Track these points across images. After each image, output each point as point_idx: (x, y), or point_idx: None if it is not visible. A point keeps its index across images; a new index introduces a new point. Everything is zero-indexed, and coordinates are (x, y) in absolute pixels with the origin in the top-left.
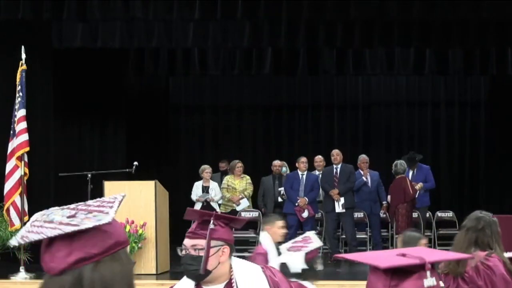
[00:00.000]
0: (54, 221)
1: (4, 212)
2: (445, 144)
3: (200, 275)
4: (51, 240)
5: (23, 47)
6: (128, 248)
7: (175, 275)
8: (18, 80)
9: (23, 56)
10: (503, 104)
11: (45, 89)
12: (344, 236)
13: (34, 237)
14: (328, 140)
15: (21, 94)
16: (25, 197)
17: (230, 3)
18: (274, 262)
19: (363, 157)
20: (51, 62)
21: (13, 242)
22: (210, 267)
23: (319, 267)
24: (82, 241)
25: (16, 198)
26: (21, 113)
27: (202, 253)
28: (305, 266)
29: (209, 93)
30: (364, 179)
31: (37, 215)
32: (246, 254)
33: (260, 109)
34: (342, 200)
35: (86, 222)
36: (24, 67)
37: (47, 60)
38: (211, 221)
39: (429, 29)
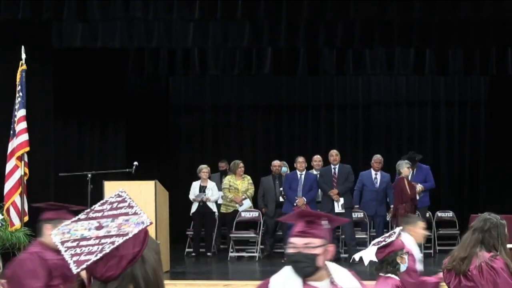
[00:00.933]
0: (86, 237)
1: (4, 212)
2: (445, 144)
3: (311, 272)
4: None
5: (23, 47)
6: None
7: (175, 275)
8: (18, 80)
9: (23, 56)
10: (503, 104)
11: (45, 89)
12: (343, 236)
13: (94, 258)
14: (328, 140)
15: (21, 94)
16: (25, 197)
17: (230, 3)
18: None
19: (377, 157)
20: (51, 62)
21: (75, 270)
22: (319, 264)
23: None
24: (126, 245)
25: (16, 198)
26: (21, 113)
27: (314, 251)
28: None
29: (209, 93)
30: (373, 178)
31: (58, 236)
32: (244, 254)
33: (260, 109)
34: (341, 200)
35: (127, 228)
36: (24, 67)
37: (47, 60)
38: (323, 221)
39: (429, 29)
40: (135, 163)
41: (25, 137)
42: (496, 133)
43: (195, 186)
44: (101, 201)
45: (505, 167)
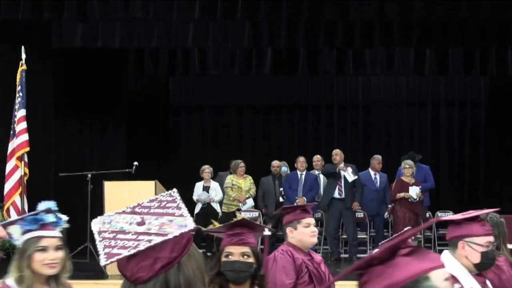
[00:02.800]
0: (126, 230)
1: (4, 212)
2: (445, 144)
3: (491, 266)
4: (136, 253)
5: (23, 47)
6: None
7: None
8: (18, 80)
9: (23, 56)
10: (503, 104)
11: (45, 89)
12: (345, 236)
13: (126, 253)
14: (328, 140)
15: (21, 94)
16: (25, 197)
17: (230, 3)
18: None
19: (378, 158)
20: (51, 62)
21: (103, 262)
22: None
23: None
24: (164, 247)
25: (16, 198)
26: (21, 113)
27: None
28: None
29: (209, 93)
30: (373, 178)
31: (98, 225)
32: None
33: (260, 109)
34: (349, 169)
35: (168, 229)
36: (24, 67)
37: (47, 60)
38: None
39: (429, 29)
40: (135, 163)
41: (25, 137)
42: (496, 133)
43: (199, 186)
44: (151, 197)
45: (505, 167)
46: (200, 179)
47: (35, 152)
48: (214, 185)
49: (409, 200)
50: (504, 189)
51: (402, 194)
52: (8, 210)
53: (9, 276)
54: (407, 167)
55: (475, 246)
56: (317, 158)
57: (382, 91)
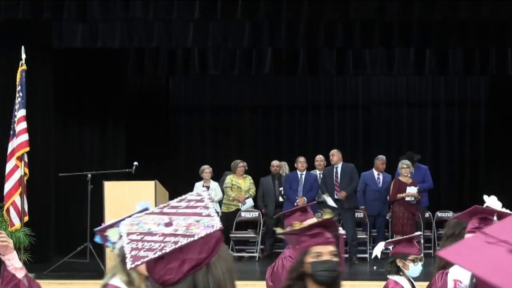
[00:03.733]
0: (153, 232)
1: (4, 212)
2: (445, 144)
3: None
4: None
5: (23, 47)
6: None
7: None
8: (18, 80)
9: (23, 56)
10: (503, 104)
11: (45, 89)
12: (345, 236)
13: (152, 255)
14: (328, 140)
15: (21, 94)
16: (25, 197)
17: (230, 3)
18: None
19: (382, 158)
20: (51, 62)
21: (129, 265)
22: None
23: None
24: (192, 248)
25: (16, 198)
26: (21, 113)
27: None
28: None
29: (209, 93)
30: (376, 178)
31: (126, 227)
32: (244, 254)
33: (260, 109)
34: (329, 198)
35: (195, 230)
36: (24, 67)
37: (47, 60)
38: (495, 217)
39: (429, 29)
40: (135, 163)
41: (25, 137)
42: (496, 133)
43: (198, 186)
44: (180, 197)
45: (505, 167)
46: (200, 179)
47: (35, 152)
48: (213, 185)
49: (410, 201)
50: (504, 189)
51: (401, 195)
52: (8, 210)
53: (111, 277)
54: (405, 167)
55: None
56: (320, 158)
57: (382, 91)
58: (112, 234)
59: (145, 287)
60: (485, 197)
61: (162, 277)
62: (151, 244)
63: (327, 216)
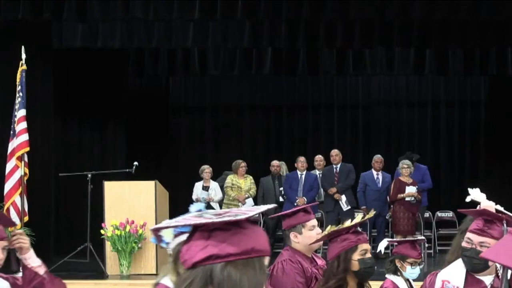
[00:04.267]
0: (203, 217)
1: (4, 212)
2: (445, 144)
3: (481, 269)
4: (193, 233)
5: (23, 47)
6: (266, 260)
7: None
8: (18, 80)
9: (23, 56)
10: (503, 104)
11: (45, 89)
12: None
13: (182, 223)
14: (328, 140)
15: (21, 94)
16: (25, 197)
17: (230, 3)
18: None
19: (377, 157)
20: (51, 62)
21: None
22: (491, 263)
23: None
24: (219, 238)
25: (16, 198)
26: (21, 113)
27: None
28: None
29: (209, 93)
30: (375, 178)
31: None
32: None
33: (260, 109)
34: (343, 197)
35: (223, 219)
36: (24, 67)
37: (47, 60)
38: (504, 223)
39: (429, 29)
40: (135, 163)
41: (25, 137)
42: (496, 133)
43: (198, 186)
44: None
45: (505, 167)
46: (200, 179)
47: (35, 152)
48: (213, 185)
49: (410, 201)
50: (504, 189)
51: (401, 195)
52: (8, 210)
53: (163, 277)
54: (405, 167)
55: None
56: (319, 158)
57: (382, 91)
58: (166, 234)
59: None
60: (469, 189)
61: (183, 256)
62: (189, 220)
63: (359, 218)
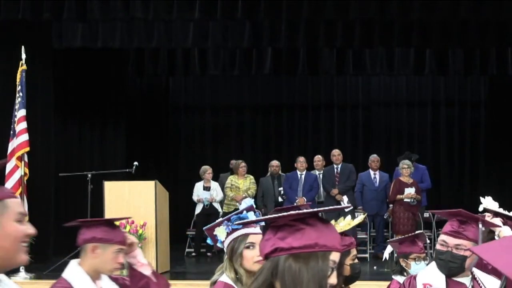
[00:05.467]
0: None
1: None
2: (445, 144)
3: (458, 272)
4: (266, 229)
5: (23, 47)
6: (335, 255)
7: (175, 275)
8: (18, 80)
9: (23, 56)
10: (503, 104)
11: (45, 89)
12: None
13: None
14: (328, 140)
15: (21, 94)
16: (25, 197)
17: (230, 3)
18: None
19: (373, 157)
20: (51, 62)
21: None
22: (466, 266)
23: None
24: (285, 233)
25: None
26: (21, 113)
27: (464, 253)
28: None
29: (209, 93)
30: (372, 178)
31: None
32: None
33: (260, 109)
34: (345, 198)
35: (287, 214)
36: (24, 67)
37: (47, 60)
38: (480, 224)
39: (429, 29)
40: (135, 163)
41: (25, 137)
42: (496, 133)
43: (199, 187)
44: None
45: (505, 167)
46: (200, 179)
47: (35, 152)
48: (214, 185)
49: (410, 202)
50: (504, 189)
51: (401, 196)
52: None
53: (221, 275)
54: (405, 167)
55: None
56: (318, 158)
57: (382, 91)
58: (220, 233)
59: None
60: (481, 198)
61: (260, 247)
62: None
63: (360, 219)
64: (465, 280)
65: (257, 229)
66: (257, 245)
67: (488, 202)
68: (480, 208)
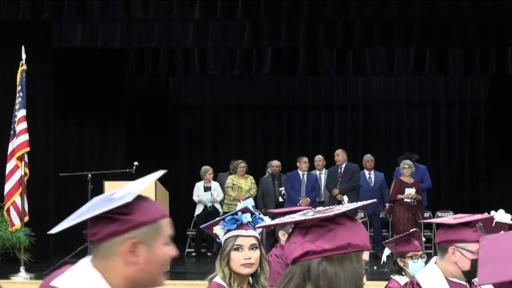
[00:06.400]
0: (305, 215)
1: (5, 212)
2: (445, 144)
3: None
4: (293, 231)
5: (23, 47)
6: (366, 254)
7: (175, 275)
8: (18, 80)
9: (23, 56)
10: (503, 104)
11: (45, 89)
12: None
13: (278, 222)
14: (328, 140)
15: (21, 94)
16: (25, 197)
17: (230, 3)
18: None
19: (367, 157)
20: (51, 62)
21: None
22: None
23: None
24: (315, 234)
25: (16, 198)
26: (21, 113)
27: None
28: None
29: (209, 93)
30: (367, 178)
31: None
32: None
33: (260, 109)
34: (345, 198)
35: (318, 215)
36: (24, 67)
37: (47, 60)
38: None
39: (429, 29)
40: (135, 163)
41: (25, 137)
42: (496, 133)
43: (199, 187)
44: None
45: (505, 167)
46: (200, 179)
47: (35, 152)
48: (215, 186)
49: (410, 202)
50: (504, 189)
51: (401, 196)
52: (8, 210)
53: (215, 275)
54: (406, 167)
55: (466, 253)
56: (318, 158)
57: (382, 91)
58: (218, 231)
59: (238, 285)
60: (493, 212)
61: (286, 251)
62: (288, 219)
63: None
64: (464, 281)
65: (248, 231)
66: (245, 248)
67: (501, 216)
68: (493, 224)
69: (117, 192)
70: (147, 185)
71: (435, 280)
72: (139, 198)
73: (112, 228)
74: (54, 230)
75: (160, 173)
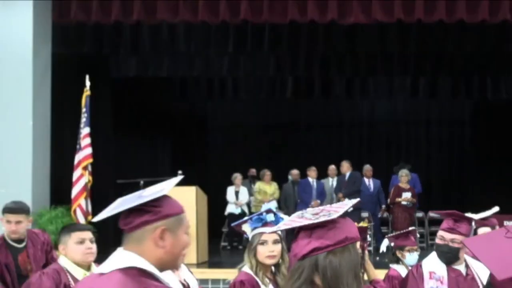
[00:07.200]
0: (304, 216)
1: (72, 212)
2: (435, 156)
3: (454, 260)
4: (299, 231)
5: (87, 76)
6: (357, 244)
7: (213, 264)
8: (83, 104)
9: (87, 83)
10: (484, 123)
11: (105, 111)
12: None
13: (288, 226)
14: (338, 152)
15: (85, 115)
16: (89, 200)
17: (258, 39)
18: None
19: (367, 167)
20: (110, 89)
21: (281, 227)
22: (460, 256)
23: None
24: (319, 233)
25: (82, 201)
26: (85, 130)
27: (458, 246)
28: None
29: (241, 114)
30: (367, 184)
31: (295, 214)
32: None
33: (281, 127)
34: (346, 200)
35: (320, 218)
36: (88, 93)
37: (107, 87)
38: (472, 222)
39: (423, 60)
40: (179, 171)
41: (89, 150)
42: (478, 147)
43: (230, 191)
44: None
45: (487, 175)
46: (230, 184)
47: (97, 163)
48: (242, 190)
49: (406, 205)
50: (484, 191)
51: (399, 199)
52: (75, 211)
53: (243, 265)
54: (404, 176)
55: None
56: (332, 168)
57: (384, 112)
58: (246, 229)
59: (263, 273)
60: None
61: (293, 250)
62: (293, 222)
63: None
64: (461, 267)
65: (271, 229)
66: (269, 242)
67: (484, 214)
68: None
69: (146, 191)
70: (170, 187)
71: (435, 263)
72: (165, 196)
73: (146, 218)
74: (96, 219)
75: (178, 178)
